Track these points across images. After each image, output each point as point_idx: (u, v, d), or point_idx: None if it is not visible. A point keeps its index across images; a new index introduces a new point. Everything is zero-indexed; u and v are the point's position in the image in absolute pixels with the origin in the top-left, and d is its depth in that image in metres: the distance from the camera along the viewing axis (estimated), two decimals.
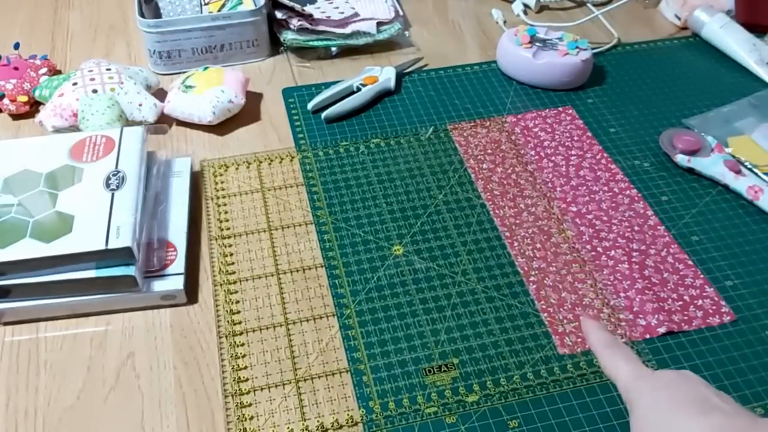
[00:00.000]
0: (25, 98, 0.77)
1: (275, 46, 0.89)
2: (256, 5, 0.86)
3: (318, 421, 0.52)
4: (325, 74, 0.86)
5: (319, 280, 0.62)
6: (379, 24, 0.89)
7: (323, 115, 0.78)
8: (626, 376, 0.44)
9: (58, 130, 0.73)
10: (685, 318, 0.59)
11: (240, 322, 0.58)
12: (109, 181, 0.62)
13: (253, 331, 0.58)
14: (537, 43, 0.83)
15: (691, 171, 0.72)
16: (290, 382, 0.54)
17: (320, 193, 0.70)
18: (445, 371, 0.55)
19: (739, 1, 0.92)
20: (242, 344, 0.57)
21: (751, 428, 0.38)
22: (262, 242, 0.65)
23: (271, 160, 0.73)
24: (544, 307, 0.60)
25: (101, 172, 0.63)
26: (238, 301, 0.60)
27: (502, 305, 0.60)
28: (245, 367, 0.55)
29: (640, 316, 0.59)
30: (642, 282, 0.61)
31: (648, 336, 0.57)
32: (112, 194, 0.61)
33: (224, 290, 0.61)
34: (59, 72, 0.85)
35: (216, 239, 0.65)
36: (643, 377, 0.43)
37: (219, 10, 0.88)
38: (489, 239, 0.65)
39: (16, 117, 0.79)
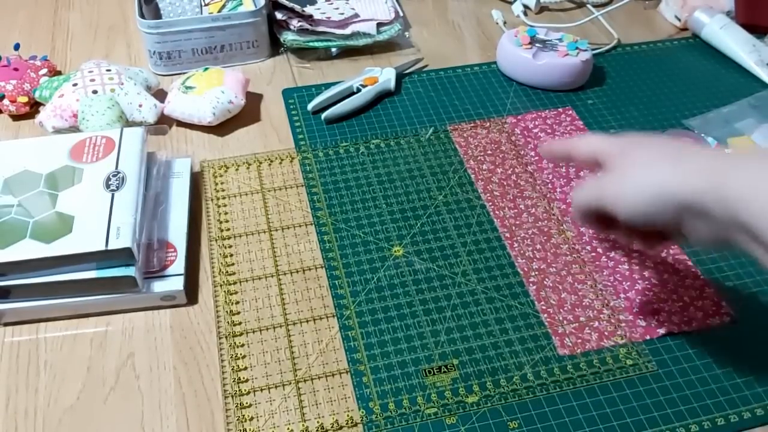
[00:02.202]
0: (25, 99, 0.77)
1: (275, 47, 0.89)
2: (256, 6, 0.86)
3: (318, 422, 0.52)
4: (325, 75, 0.86)
5: (319, 280, 0.62)
6: (379, 25, 0.89)
7: (323, 115, 0.78)
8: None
9: (58, 131, 0.73)
10: (685, 319, 0.59)
11: (240, 323, 0.58)
12: (109, 182, 0.62)
13: (253, 331, 0.58)
14: (537, 44, 0.83)
15: None
16: (290, 383, 0.54)
17: (320, 193, 0.70)
18: (445, 372, 0.55)
19: (738, 2, 0.92)
20: (242, 345, 0.57)
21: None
22: (262, 243, 0.65)
23: (271, 161, 0.73)
24: (544, 307, 0.60)
25: (101, 172, 0.63)
26: (238, 302, 0.60)
27: (502, 306, 0.60)
28: (245, 368, 0.55)
29: (640, 317, 0.59)
30: (642, 283, 0.61)
31: (648, 337, 0.57)
32: (112, 195, 0.61)
33: (224, 291, 0.61)
34: (59, 73, 0.85)
35: (216, 240, 0.65)
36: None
37: (219, 11, 0.88)
38: (489, 240, 0.65)
39: (16, 118, 0.79)
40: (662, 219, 0.44)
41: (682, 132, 0.75)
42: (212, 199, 0.69)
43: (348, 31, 0.87)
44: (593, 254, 0.64)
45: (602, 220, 0.49)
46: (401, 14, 0.92)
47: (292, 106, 0.81)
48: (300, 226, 0.67)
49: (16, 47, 0.85)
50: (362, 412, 0.53)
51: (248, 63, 0.88)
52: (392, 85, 0.82)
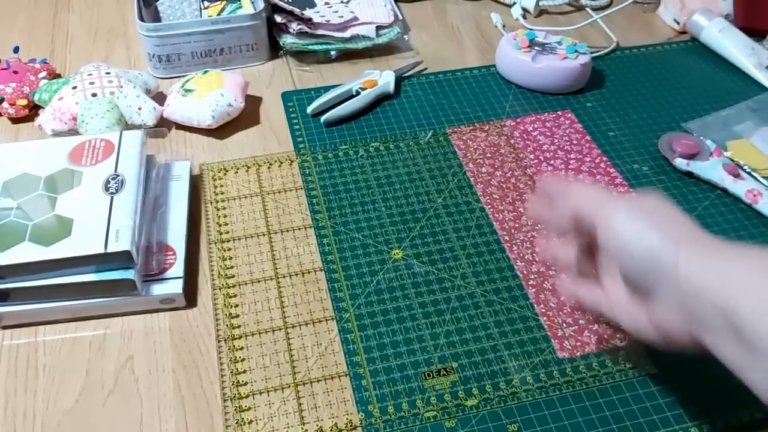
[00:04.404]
0: (24, 102, 0.77)
1: (275, 50, 0.89)
2: (255, 9, 0.87)
3: (317, 425, 0.52)
4: (324, 78, 0.86)
5: (318, 283, 0.62)
6: (379, 28, 0.89)
7: (323, 118, 0.78)
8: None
9: (57, 134, 0.73)
10: None
11: (239, 326, 0.58)
12: (109, 185, 0.62)
13: (252, 334, 0.58)
14: (536, 47, 0.83)
15: (690, 175, 0.73)
16: (289, 386, 0.54)
17: (319, 196, 0.70)
18: (444, 375, 0.55)
19: (737, 5, 0.92)
20: (241, 348, 0.57)
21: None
22: (261, 246, 0.65)
23: (271, 164, 0.73)
24: (543, 310, 0.60)
25: (100, 175, 0.63)
26: (237, 305, 0.60)
27: (501, 309, 0.60)
28: (244, 371, 0.55)
29: None
30: None
31: None
32: (112, 198, 0.61)
33: (223, 294, 0.61)
34: (59, 76, 0.86)
35: (215, 243, 0.65)
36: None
37: (218, 14, 0.88)
38: (488, 243, 0.65)
39: (15, 120, 0.79)
40: (644, 282, 0.45)
41: (681, 135, 0.75)
42: (211, 202, 0.69)
43: (347, 34, 0.87)
44: None
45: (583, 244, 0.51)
46: (400, 17, 0.92)
47: (291, 109, 0.81)
48: (299, 229, 0.67)
49: (16, 50, 0.85)
50: (361, 416, 0.52)
51: (247, 66, 0.88)
52: (391, 88, 0.82)
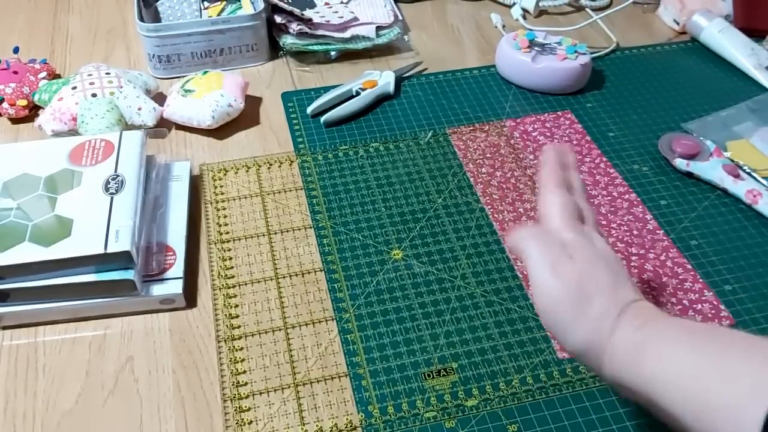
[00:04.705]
0: (24, 102, 0.77)
1: (274, 51, 0.89)
2: (255, 9, 0.87)
3: (317, 426, 0.52)
4: (324, 78, 0.86)
5: (318, 284, 0.62)
6: (379, 28, 0.89)
7: (322, 119, 0.78)
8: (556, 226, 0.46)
9: (57, 134, 0.73)
10: None
11: (239, 327, 0.58)
12: (108, 185, 0.62)
13: (252, 335, 0.58)
14: (536, 48, 0.83)
15: (690, 175, 0.73)
16: (289, 387, 0.54)
17: (319, 197, 0.70)
18: (444, 375, 0.55)
19: (737, 5, 0.92)
20: (241, 348, 0.57)
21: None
22: (261, 246, 0.65)
23: (271, 164, 0.73)
24: None
25: (100, 175, 0.63)
26: (237, 305, 0.60)
27: (501, 309, 0.60)
28: (244, 372, 0.55)
29: None
30: (641, 286, 0.61)
31: None
32: (111, 198, 0.60)
33: (223, 294, 0.61)
34: (59, 76, 0.86)
35: (215, 243, 0.65)
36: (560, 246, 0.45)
37: (218, 15, 0.88)
38: (488, 243, 0.65)
39: (15, 121, 0.79)
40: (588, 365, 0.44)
41: (681, 136, 0.75)
42: (211, 203, 0.69)
43: (347, 34, 0.87)
44: None
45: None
46: (400, 18, 0.92)
47: (291, 110, 0.81)
48: (299, 229, 0.67)
49: (16, 50, 0.85)
50: (361, 416, 0.52)
51: (247, 66, 0.88)
52: (391, 88, 0.82)
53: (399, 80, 0.84)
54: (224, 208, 0.68)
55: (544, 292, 0.44)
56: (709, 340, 0.39)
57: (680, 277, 0.62)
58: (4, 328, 0.58)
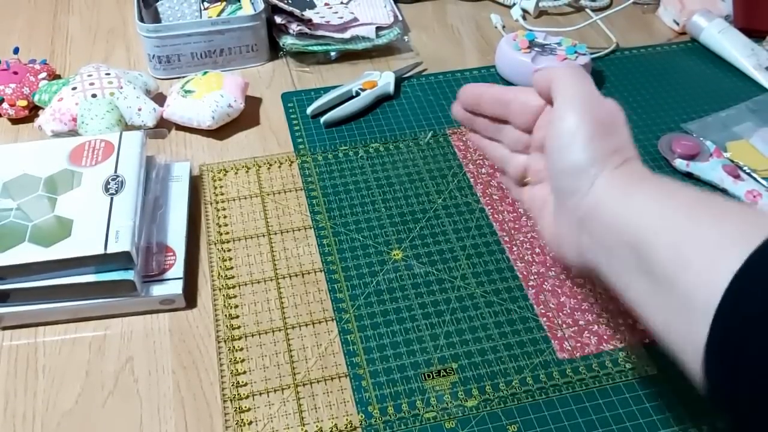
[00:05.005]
0: (24, 103, 0.77)
1: (274, 51, 0.89)
2: (255, 10, 0.87)
3: (317, 426, 0.52)
4: (324, 79, 0.86)
5: (318, 284, 0.62)
6: (378, 29, 0.89)
7: (322, 119, 0.78)
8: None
9: (57, 135, 0.73)
10: None
11: (239, 327, 0.58)
12: (108, 186, 0.62)
13: (252, 335, 0.58)
14: (536, 48, 0.83)
15: (689, 175, 0.73)
16: (289, 387, 0.54)
17: (319, 197, 0.70)
18: (444, 376, 0.55)
19: (737, 6, 0.92)
20: (241, 349, 0.57)
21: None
22: (261, 247, 0.65)
23: (271, 165, 0.73)
24: (543, 311, 0.60)
25: (100, 176, 0.63)
26: (237, 306, 0.60)
27: (501, 310, 0.60)
28: (244, 372, 0.55)
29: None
30: None
31: (647, 340, 0.57)
32: (111, 198, 0.61)
33: (223, 295, 0.61)
34: (58, 76, 0.86)
35: (215, 244, 0.65)
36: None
37: (218, 15, 0.88)
38: (488, 244, 0.65)
39: (15, 121, 0.79)
40: (571, 185, 0.45)
41: (681, 136, 0.75)
42: (211, 203, 0.69)
43: (347, 35, 0.88)
44: None
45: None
46: (400, 18, 0.92)
47: (291, 110, 0.81)
48: (299, 229, 0.67)
49: (16, 51, 0.85)
50: (361, 416, 0.52)
51: (247, 67, 0.88)
52: (391, 88, 0.82)
53: (399, 81, 0.85)
54: (224, 209, 0.68)
55: (571, 113, 0.46)
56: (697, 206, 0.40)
57: None
58: (4, 328, 0.58)
